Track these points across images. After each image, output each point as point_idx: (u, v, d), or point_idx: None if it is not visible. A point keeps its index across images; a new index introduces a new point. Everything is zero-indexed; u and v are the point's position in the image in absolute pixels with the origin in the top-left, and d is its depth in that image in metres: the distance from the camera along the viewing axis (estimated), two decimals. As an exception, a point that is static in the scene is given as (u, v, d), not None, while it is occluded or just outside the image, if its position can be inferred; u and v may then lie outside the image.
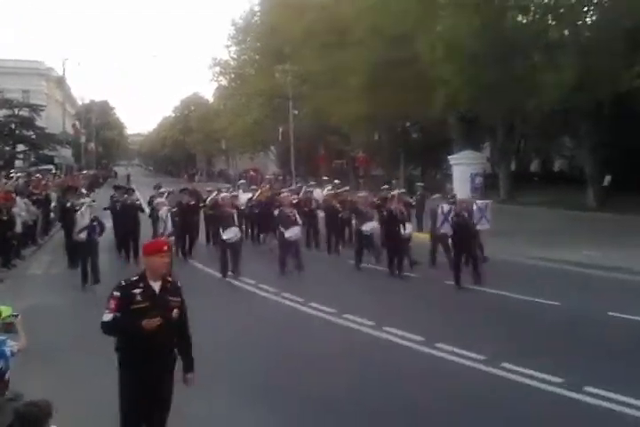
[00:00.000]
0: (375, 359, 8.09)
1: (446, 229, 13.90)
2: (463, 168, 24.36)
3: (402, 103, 31.40)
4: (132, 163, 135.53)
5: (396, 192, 15.42)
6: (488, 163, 31.84)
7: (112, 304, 4.79)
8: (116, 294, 4.82)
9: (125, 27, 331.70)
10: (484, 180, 25.63)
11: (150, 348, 4.76)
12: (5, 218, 14.60)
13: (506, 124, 30.51)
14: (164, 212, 14.15)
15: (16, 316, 5.16)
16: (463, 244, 12.74)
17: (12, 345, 4.87)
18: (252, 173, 51.87)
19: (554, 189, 29.62)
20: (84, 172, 50.62)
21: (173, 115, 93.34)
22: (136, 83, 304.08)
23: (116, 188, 19.84)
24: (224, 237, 13.65)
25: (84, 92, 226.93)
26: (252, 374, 7.57)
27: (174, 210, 14.91)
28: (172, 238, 13.74)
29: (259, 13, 50.32)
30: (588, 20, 23.85)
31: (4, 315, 5.07)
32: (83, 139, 62.37)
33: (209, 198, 17.86)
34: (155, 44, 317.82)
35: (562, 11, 22.83)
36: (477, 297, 11.69)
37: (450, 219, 13.55)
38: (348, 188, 20.57)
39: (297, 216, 14.60)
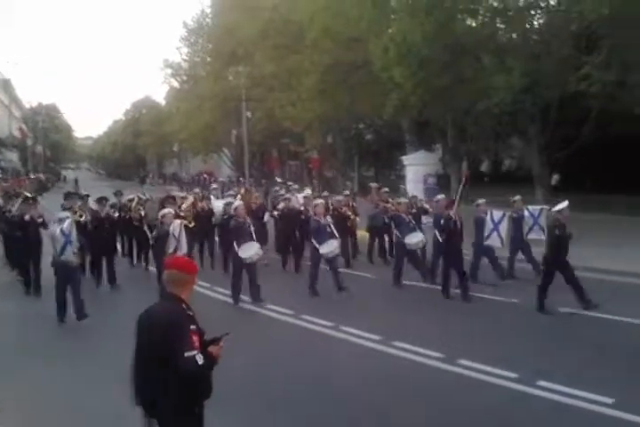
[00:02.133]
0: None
1: (494, 240, 12.40)
2: (416, 169, 24.75)
3: (355, 106, 31.68)
4: (81, 166, 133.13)
5: (441, 197, 13.50)
6: (440, 163, 32.29)
7: (196, 341, 3.94)
8: (195, 327, 4.00)
9: (75, 28, 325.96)
10: (437, 180, 26.03)
11: (209, 375, 4.19)
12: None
13: (457, 126, 30.96)
14: (176, 227, 11.58)
15: None
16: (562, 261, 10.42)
17: None
18: (205, 175, 51.50)
19: (503, 188, 30.11)
20: (32, 176, 49.59)
21: (124, 118, 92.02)
22: (86, 86, 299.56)
23: (69, 195, 16.36)
24: (242, 255, 11.32)
25: (32, 95, 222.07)
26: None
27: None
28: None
29: (210, 15, 50.05)
30: (535, 23, 24.38)
31: None
32: (29, 142, 60.98)
33: (184, 206, 15.34)
34: (106, 46, 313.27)
35: (510, 14, 23.26)
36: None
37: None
38: (347, 192, 18.59)
39: (333, 228, 12.34)
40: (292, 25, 32.56)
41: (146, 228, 14.50)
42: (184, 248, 11.46)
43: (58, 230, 10.58)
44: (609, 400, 6.43)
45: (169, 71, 54.23)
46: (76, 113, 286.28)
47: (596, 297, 10.18)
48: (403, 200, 14.04)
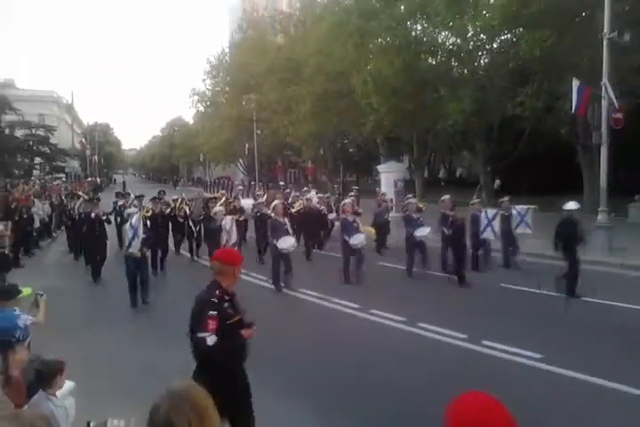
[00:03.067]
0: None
1: (488, 234, 11.71)
2: (388, 175, 24.55)
3: (341, 126, 31.68)
4: (127, 172, 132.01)
5: (446, 197, 11.61)
6: (407, 171, 32.18)
7: (212, 325, 3.69)
8: (213, 313, 3.72)
9: (121, 64, 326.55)
10: (404, 184, 25.92)
11: (243, 352, 3.97)
12: (26, 216, 14.37)
13: (420, 142, 30.92)
14: (228, 222, 11.02)
15: (42, 295, 4.89)
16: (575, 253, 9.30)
17: (25, 319, 4.49)
18: (224, 179, 51.30)
19: (456, 191, 30.02)
20: (90, 179, 49.25)
21: (161, 134, 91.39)
22: (131, 108, 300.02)
23: (119, 194, 15.86)
24: (279, 246, 10.38)
25: (89, 115, 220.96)
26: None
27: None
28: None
29: (228, 54, 49.79)
30: (482, 62, 24.36)
31: (24, 294, 4.69)
32: (88, 153, 60.56)
33: (217, 206, 14.09)
34: (148, 77, 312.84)
35: (462, 54, 23.25)
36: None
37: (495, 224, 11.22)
38: (354, 193, 17.73)
39: (359, 223, 11.36)
40: (293, 63, 32.55)
41: (191, 223, 13.94)
42: (233, 239, 10.88)
43: (127, 225, 9.39)
44: (537, 355, 6.43)
45: (196, 98, 53.79)
46: (123, 128, 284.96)
47: (538, 278, 9.64)
48: (412, 201, 12.74)
